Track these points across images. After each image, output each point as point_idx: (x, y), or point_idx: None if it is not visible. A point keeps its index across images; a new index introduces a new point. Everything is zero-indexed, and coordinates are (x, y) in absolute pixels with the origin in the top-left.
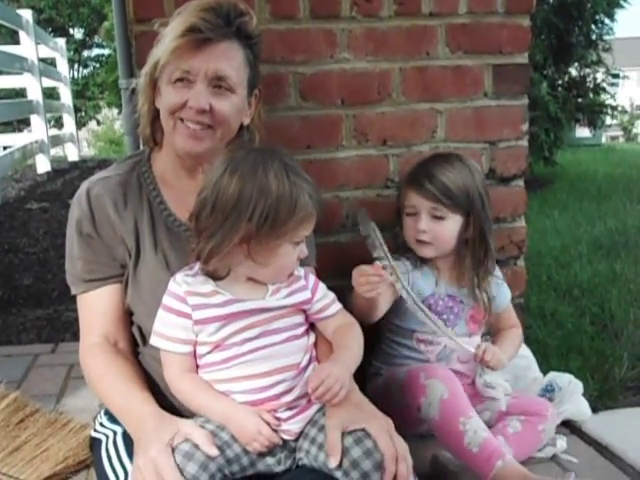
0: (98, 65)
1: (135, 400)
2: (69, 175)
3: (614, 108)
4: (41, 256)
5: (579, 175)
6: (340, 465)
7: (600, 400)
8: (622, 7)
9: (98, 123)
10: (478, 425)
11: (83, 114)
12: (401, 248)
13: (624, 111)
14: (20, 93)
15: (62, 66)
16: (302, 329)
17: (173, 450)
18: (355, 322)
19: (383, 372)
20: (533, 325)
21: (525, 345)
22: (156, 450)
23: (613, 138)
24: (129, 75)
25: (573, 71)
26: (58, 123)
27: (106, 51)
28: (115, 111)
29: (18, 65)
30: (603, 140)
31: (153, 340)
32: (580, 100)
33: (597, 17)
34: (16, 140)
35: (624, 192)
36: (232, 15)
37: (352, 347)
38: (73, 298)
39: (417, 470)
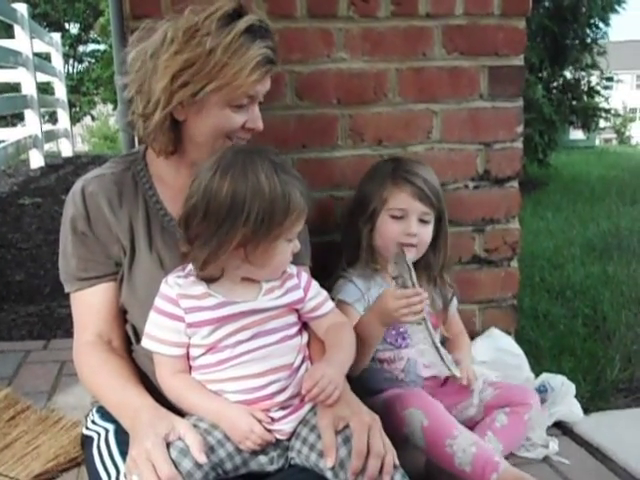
0: (93, 60)
1: (130, 394)
2: (63, 171)
3: (608, 111)
4: (34, 252)
5: (573, 177)
6: (334, 467)
7: (592, 401)
8: (617, 12)
9: (93, 119)
10: (466, 442)
11: (78, 109)
12: (364, 250)
13: (617, 114)
14: (14, 88)
15: (57, 61)
16: (295, 329)
17: (168, 445)
18: (347, 321)
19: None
20: (526, 326)
21: (517, 345)
22: (151, 442)
23: (607, 141)
24: (125, 71)
25: (568, 74)
26: (52, 118)
27: (101, 46)
28: (110, 107)
29: (13, 59)
30: (597, 142)
31: (145, 342)
32: (574, 103)
33: (592, 21)
34: (10, 135)
35: (617, 194)
36: (274, 35)
37: (345, 347)
38: (65, 295)
39: (412, 473)
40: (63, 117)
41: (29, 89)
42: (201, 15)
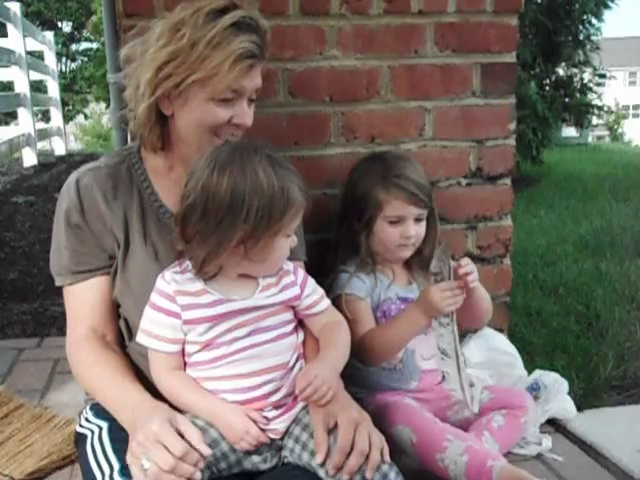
0: (86, 59)
1: (128, 391)
2: (56, 169)
3: (600, 108)
4: (27, 250)
5: (565, 174)
6: (323, 464)
7: (585, 399)
8: (609, 8)
9: (86, 117)
10: (456, 452)
11: (71, 108)
12: (364, 255)
13: (610, 111)
14: (7, 86)
15: (50, 59)
16: (291, 326)
17: None
18: (343, 320)
19: (362, 396)
20: (519, 323)
21: (510, 342)
22: (157, 424)
23: (599, 138)
24: (118, 69)
25: (561, 71)
26: (45, 117)
27: (94, 45)
28: (103, 105)
29: (5, 58)
30: (589, 139)
31: (140, 338)
32: (567, 100)
33: (585, 17)
34: (3, 133)
35: (610, 191)
36: (263, 31)
37: (339, 346)
38: (59, 293)
39: (409, 468)
40: (56, 115)
41: (22, 87)
42: (189, 10)
